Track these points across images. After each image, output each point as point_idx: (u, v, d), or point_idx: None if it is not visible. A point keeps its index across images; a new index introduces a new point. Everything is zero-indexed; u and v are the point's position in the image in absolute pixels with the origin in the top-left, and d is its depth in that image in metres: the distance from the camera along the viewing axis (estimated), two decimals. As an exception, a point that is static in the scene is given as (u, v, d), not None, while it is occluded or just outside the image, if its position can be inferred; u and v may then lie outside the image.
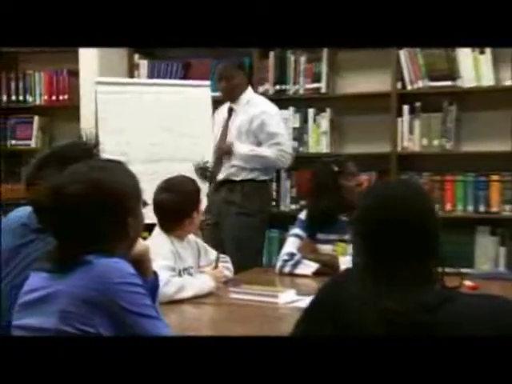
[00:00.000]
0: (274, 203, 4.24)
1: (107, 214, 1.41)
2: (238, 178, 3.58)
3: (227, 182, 3.59)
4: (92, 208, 1.40)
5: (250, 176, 3.59)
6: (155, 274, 1.62)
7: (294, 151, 3.81)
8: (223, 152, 3.59)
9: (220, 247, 3.37)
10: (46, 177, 1.64)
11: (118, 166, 1.50)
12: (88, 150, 1.71)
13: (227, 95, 3.70)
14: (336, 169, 2.85)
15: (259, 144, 3.60)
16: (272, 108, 3.69)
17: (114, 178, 1.45)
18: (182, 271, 2.45)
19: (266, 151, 3.56)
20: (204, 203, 2.79)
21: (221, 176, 3.59)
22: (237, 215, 3.54)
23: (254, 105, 3.67)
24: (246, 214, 3.56)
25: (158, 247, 2.26)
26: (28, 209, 1.83)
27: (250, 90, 3.77)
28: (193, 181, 2.57)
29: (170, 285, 2.26)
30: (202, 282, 2.41)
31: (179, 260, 2.46)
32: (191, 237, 2.62)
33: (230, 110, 3.71)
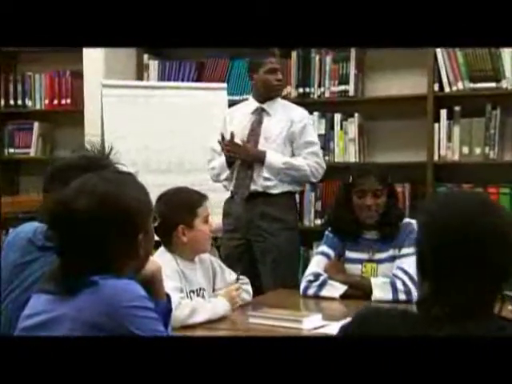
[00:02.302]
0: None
1: (116, 231, 1.43)
2: (276, 191, 3.48)
3: (261, 194, 3.48)
4: (99, 223, 1.41)
5: (287, 188, 3.52)
6: (167, 296, 1.63)
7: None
8: (254, 159, 3.48)
9: (251, 268, 3.38)
10: (58, 187, 1.67)
11: (128, 179, 1.52)
12: (105, 161, 1.74)
13: (277, 90, 3.58)
14: (350, 181, 2.85)
15: (293, 152, 3.53)
16: (308, 114, 3.65)
17: (123, 192, 1.46)
18: (189, 293, 2.46)
19: (301, 163, 3.47)
20: (216, 219, 2.77)
21: (254, 187, 3.48)
22: (280, 231, 3.48)
23: (291, 108, 3.61)
24: (288, 229, 3.53)
25: (162, 266, 2.27)
26: (34, 224, 1.87)
27: None
28: (186, 193, 2.57)
29: (181, 308, 2.27)
30: (216, 305, 2.41)
31: (185, 281, 2.47)
32: (205, 256, 2.63)
33: (261, 111, 3.59)
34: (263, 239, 3.48)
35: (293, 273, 3.53)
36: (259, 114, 3.58)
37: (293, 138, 3.51)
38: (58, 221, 1.42)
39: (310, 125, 3.59)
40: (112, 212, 1.43)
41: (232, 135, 3.45)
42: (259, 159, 3.46)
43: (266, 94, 3.57)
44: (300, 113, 3.58)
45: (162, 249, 2.52)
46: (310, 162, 3.49)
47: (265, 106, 3.58)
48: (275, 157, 3.46)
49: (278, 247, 3.46)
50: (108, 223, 1.42)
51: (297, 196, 4.18)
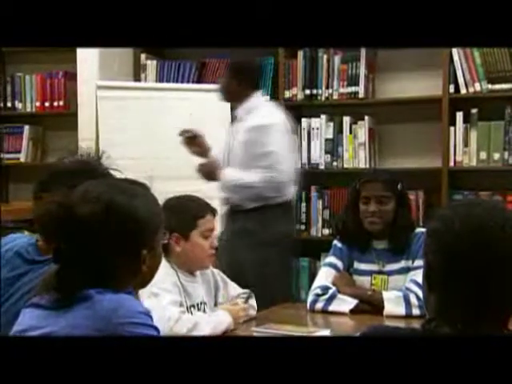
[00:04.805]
0: (303, 227, 4.27)
1: (117, 242, 1.43)
2: (251, 206, 3.45)
3: (241, 210, 3.48)
4: (100, 232, 1.41)
5: (264, 203, 3.44)
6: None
7: (287, 173, 3.49)
8: (209, 179, 3.50)
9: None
10: (55, 191, 1.69)
11: (138, 190, 1.51)
12: (102, 165, 1.76)
13: (222, 97, 3.64)
14: (357, 188, 2.87)
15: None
16: (268, 120, 3.48)
17: (130, 202, 1.46)
18: (189, 308, 2.47)
19: (252, 179, 3.40)
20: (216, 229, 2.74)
21: (230, 205, 3.51)
22: (254, 246, 3.42)
23: (254, 113, 3.52)
24: (266, 245, 3.44)
25: (161, 280, 2.27)
26: (21, 236, 1.89)
27: (256, 95, 3.60)
28: (190, 201, 2.55)
29: (181, 322, 2.27)
30: (217, 319, 2.42)
31: (186, 295, 2.48)
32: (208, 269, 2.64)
33: (235, 120, 3.64)
34: (242, 256, 3.44)
35: (273, 292, 3.32)
36: (234, 123, 3.64)
37: (248, 148, 3.45)
38: (59, 224, 1.42)
39: (258, 136, 3.43)
40: (115, 222, 1.43)
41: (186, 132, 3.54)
42: (213, 177, 3.48)
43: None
44: (258, 120, 3.47)
45: (163, 261, 2.52)
46: (263, 175, 3.40)
47: (236, 113, 3.62)
48: (227, 172, 3.47)
49: (257, 264, 3.40)
50: (110, 233, 1.42)
51: (303, 204, 4.21)
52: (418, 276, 2.69)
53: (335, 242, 2.96)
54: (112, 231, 1.42)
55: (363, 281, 2.85)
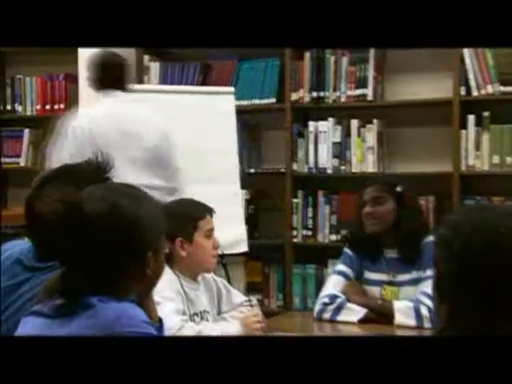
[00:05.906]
0: (310, 233, 4.26)
1: (123, 245, 1.44)
2: None
3: None
4: (106, 235, 1.43)
5: None
6: (160, 320, 1.64)
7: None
8: None
9: None
10: (51, 191, 1.69)
11: (141, 194, 1.55)
12: (101, 170, 1.76)
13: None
14: (361, 193, 2.89)
15: None
16: (77, 120, 3.45)
17: (136, 206, 1.48)
18: (192, 316, 2.47)
19: None
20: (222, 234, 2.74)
21: None
22: None
23: None
24: None
25: (164, 287, 2.27)
26: (20, 243, 1.89)
27: (107, 95, 3.42)
28: (188, 204, 2.59)
29: (183, 331, 2.27)
30: (223, 328, 2.41)
31: (188, 303, 2.48)
32: (209, 276, 2.63)
33: None
34: None
35: None
36: None
37: None
38: (64, 224, 1.42)
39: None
40: (121, 223, 1.45)
41: None
42: None
43: None
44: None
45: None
46: None
47: None
48: None
49: None
50: (115, 235, 1.44)
51: (309, 210, 4.20)
52: (429, 287, 2.68)
53: (345, 249, 2.95)
54: (117, 233, 1.44)
55: (373, 291, 2.84)
